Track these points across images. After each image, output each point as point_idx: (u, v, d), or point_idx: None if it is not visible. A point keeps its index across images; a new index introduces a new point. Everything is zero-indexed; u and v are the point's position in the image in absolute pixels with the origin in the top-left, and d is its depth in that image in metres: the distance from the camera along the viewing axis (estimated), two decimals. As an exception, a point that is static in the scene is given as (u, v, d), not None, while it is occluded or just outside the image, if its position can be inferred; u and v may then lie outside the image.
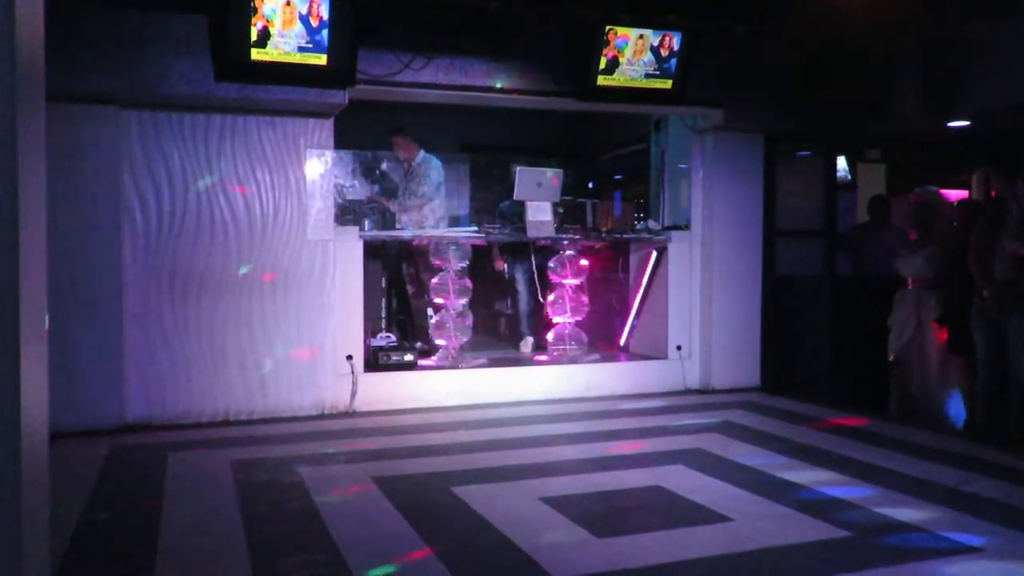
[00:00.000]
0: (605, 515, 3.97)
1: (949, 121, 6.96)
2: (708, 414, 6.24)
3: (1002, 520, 3.84)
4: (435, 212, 7.40)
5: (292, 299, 6.06)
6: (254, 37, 5.46)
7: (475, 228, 7.23)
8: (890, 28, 6.42)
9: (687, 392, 7.12)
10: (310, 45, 5.58)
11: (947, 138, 7.75)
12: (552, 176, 6.92)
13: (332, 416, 6.12)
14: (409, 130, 7.45)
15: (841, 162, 8.12)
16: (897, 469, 4.71)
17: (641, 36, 6.33)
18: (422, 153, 7.47)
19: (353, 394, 6.22)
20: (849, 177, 8.61)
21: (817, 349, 7.11)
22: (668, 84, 6.55)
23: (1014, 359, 5.21)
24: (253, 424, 5.85)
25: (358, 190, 8.55)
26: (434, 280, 6.93)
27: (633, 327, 7.67)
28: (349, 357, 6.20)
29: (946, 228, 6.17)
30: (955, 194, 8.11)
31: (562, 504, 4.06)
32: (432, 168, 7.43)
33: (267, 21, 5.46)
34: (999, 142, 7.27)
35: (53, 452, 2.79)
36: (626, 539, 3.64)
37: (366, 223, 7.00)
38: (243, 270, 5.95)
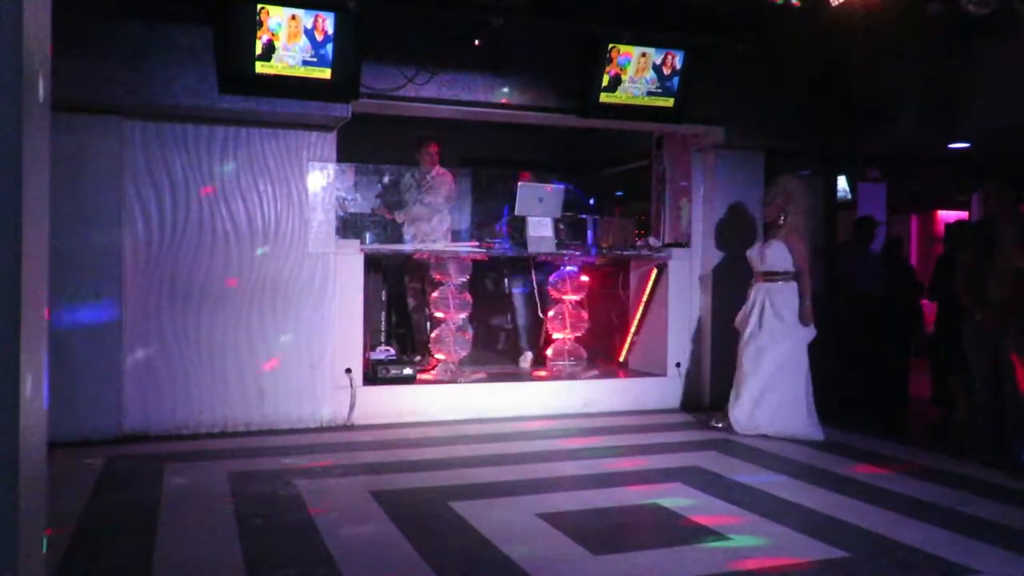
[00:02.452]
0: (602, 532, 3.95)
1: (950, 142, 6.99)
2: (706, 432, 6.23)
3: (1001, 542, 3.83)
4: (441, 225, 7.39)
5: (292, 311, 6.07)
6: (259, 50, 5.49)
7: (476, 243, 7.24)
8: (891, 48, 6.46)
9: (686, 409, 7.10)
10: (314, 59, 5.61)
11: (948, 159, 7.77)
12: (554, 192, 6.92)
13: (330, 429, 6.10)
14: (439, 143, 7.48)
15: (841, 181, 8.15)
16: (896, 489, 4.70)
17: (644, 54, 6.37)
18: (438, 167, 7.48)
19: (351, 407, 6.21)
20: (849, 196, 8.63)
21: (817, 366, 7.10)
22: (670, 102, 6.58)
23: (1006, 377, 5.20)
24: (251, 436, 5.83)
25: (360, 203, 8.55)
26: (434, 294, 6.94)
27: (632, 344, 7.66)
28: (348, 370, 6.19)
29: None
30: (955, 215, 8.15)
31: (559, 520, 4.04)
32: (445, 183, 7.43)
33: (272, 35, 5.50)
34: (1000, 163, 7.29)
35: (50, 461, 2.79)
36: (623, 556, 3.62)
37: (367, 236, 7.00)
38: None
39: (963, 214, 8.22)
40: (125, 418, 5.68)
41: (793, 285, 6.02)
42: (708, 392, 7.17)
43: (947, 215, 8.79)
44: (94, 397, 5.55)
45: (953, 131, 6.65)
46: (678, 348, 7.24)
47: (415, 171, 7.52)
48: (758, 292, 6.11)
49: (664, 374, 7.20)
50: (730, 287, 7.19)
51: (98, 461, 5.05)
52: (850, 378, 7.02)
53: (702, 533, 3.93)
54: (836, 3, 5.26)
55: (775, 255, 6.02)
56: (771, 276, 6.05)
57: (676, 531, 4.00)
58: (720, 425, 6.21)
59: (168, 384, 5.80)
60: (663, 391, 7.13)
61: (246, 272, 5.97)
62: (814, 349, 6.08)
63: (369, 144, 7.64)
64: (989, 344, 5.32)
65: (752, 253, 6.24)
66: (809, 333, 6.03)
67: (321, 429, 6.08)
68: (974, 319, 5.39)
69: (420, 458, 5.29)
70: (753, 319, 6.07)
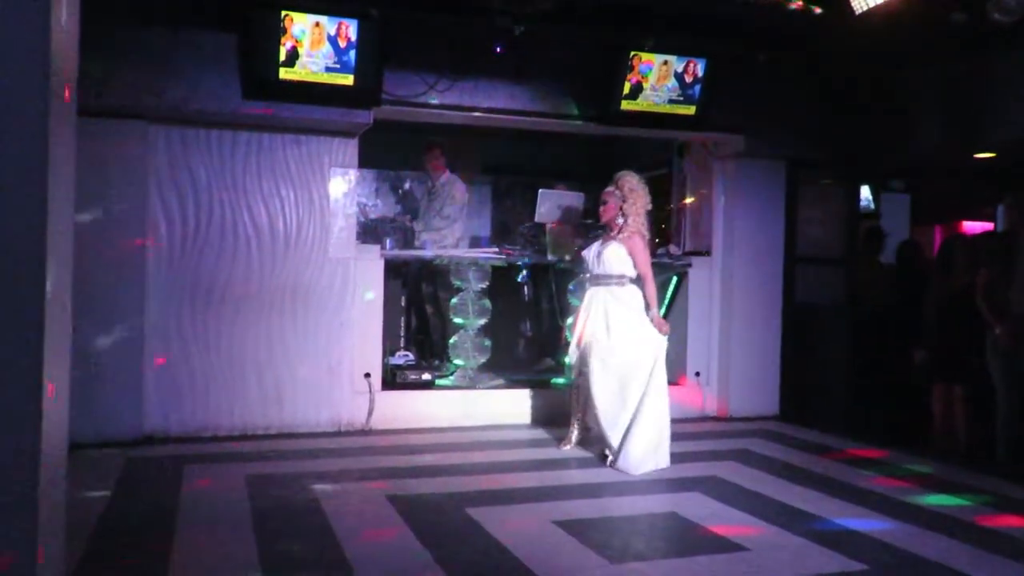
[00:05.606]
0: (619, 540, 3.94)
1: (974, 152, 6.92)
2: (725, 442, 6.19)
3: (1022, 556, 3.77)
4: (455, 232, 7.43)
5: (312, 315, 6.10)
6: (283, 57, 5.54)
7: (495, 249, 7.24)
8: (915, 58, 6.41)
9: (705, 419, 7.07)
10: (337, 65, 5.66)
11: (973, 169, 7.69)
12: (574, 198, 6.91)
13: (348, 433, 6.13)
14: (444, 147, 7.50)
15: (864, 191, 8.09)
16: (915, 502, 4.64)
17: (665, 62, 6.36)
18: (448, 173, 7.51)
19: (370, 412, 6.23)
20: (872, 207, 8.56)
21: (836, 378, 7.05)
22: (691, 110, 6.56)
23: None
24: (269, 439, 5.87)
25: (380, 209, 8.60)
26: (454, 300, 6.95)
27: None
28: (367, 375, 6.22)
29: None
30: (980, 226, 8.05)
31: (576, 528, 4.03)
32: (457, 189, 7.47)
33: (296, 41, 5.55)
34: (1025, 174, 7.22)
35: (71, 462, 2.83)
36: (640, 565, 3.61)
37: (387, 242, 7.04)
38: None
39: (989, 225, 8.12)
40: (146, 420, 5.73)
41: (632, 288, 5.44)
42: (729, 402, 7.13)
43: (972, 226, 8.69)
44: (116, 398, 5.60)
45: (977, 141, 6.58)
46: (698, 357, 7.21)
47: (429, 179, 7.57)
48: (594, 297, 5.47)
49: (684, 383, 7.17)
50: (751, 297, 7.17)
51: (119, 462, 5.10)
52: (867, 389, 6.95)
53: (720, 543, 3.90)
54: (859, 11, 5.23)
55: (612, 257, 5.40)
56: (606, 280, 5.44)
57: (693, 541, 3.97)
58: (566, 447, 5.68)
59: (188, 387, 5.85)
60: (683, 400, 7.09)
61: (267, 277, 6.02)
62: (835, 356, 6.01)
63: (391, 150, 7.68)
64: (1010, 358, 5.27)
65: (587, 254, 5.59)
66: (660, 344, 5.37)
67: (339, 433, 6.11)
68: (994, 333, 5.34)
69: (437, 464, 5.30)
70: (594, 325, 5.40)
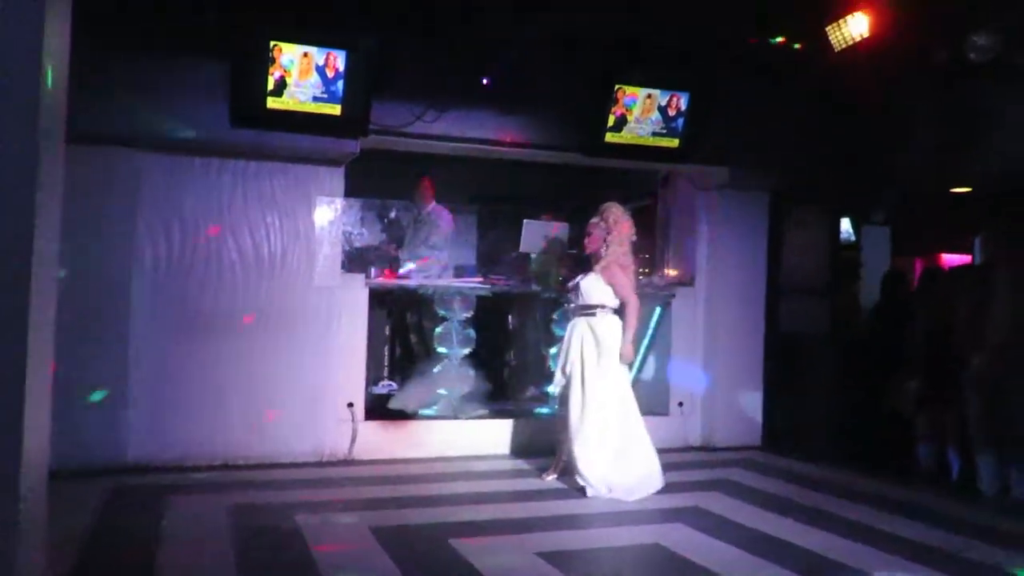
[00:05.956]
0: (602, 572, 3.92)
1: (953, 186, 7.03)
2: (709, 472, 6.19)
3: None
4: (440, 262, 7.45)
5: (296, 344, 6.08)
6: (271, 86, 5.58)
7: (480, 278, 7.27)
8: (896, 94, 6.53)
9: (688, 449, 7.07)
10: (325, 95, 5.70)
11: (952, 202, 7.81)
12: (557, 228, 6.96)
13: (331, 463, 6.08)
14: (433, 178, 7.55)
15: (845, 223, 8.19)
16: (898, 533, 4.65)
17: (649, 95, 6.45)
18: (434, 203, 7.55)
19: (353, 441, 6.19)
20: (853, 238, 8.66)
21: (820, 408, 7.08)
22: (675, 143, 6.65)
23: (1011, 426, 5.19)
24: (252, 469, 5.81)
25: (366, 237, 8.61)
26: (438, 329, 6.94)
27: (634, 382, 7.63)
28: (350, 404, 6.19)
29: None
30: (959, 259, 8.15)
31: (559, 560, 4.01)
32: (443, 219, 7.51)
33: (284, 71, 5.59)
34: (1003, 207, 7.32)
35: (52, 490, 2.80)
36: (623, 597, 3.59)
37: (372, 271, 7.04)
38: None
39: (967, 258, 8.22)
40: (129, 448, 5.67)
41: (611, 319, 5.51)
42: (712, 432, 7.14)
43: (951, 258, 8.80)
44: (98, 426, 5.54)
45: (956, 175, 6.69)
46: (681, 387, 7.23)
47: (416, 208, 7.61)
48: (575, 327, 5.58)
49: (667, 413, 7.17)
50: (734, 327, 7.21)
51: (100, 491, 5.04)
52: (851, 419, 6.98)
53: (702, 574, 3.88)
54: (838, 48, 5.34)
55: (591, 288, 5.50)
56: (588, 310, 5.53)
57: (677, 572, 3.96)
58: (550, 477, 5.70)
59: (171, 416, 5.79)
60: (666, 430, 7.07)
61: (251, 305, 6.00)
62: (818, 386, 6.04)
63: (378, 178, 7.71)
64: (988, 388, 5.33)
65: (570, 285, 5.73)
66: (623, 373, 5.53)
67: (322, 463, 6.06)
68: (972, 363, 5.42)
69: (421, 494, 5.27)
70: (574, 355, 5.50)
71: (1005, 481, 5.40)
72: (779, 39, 5.77)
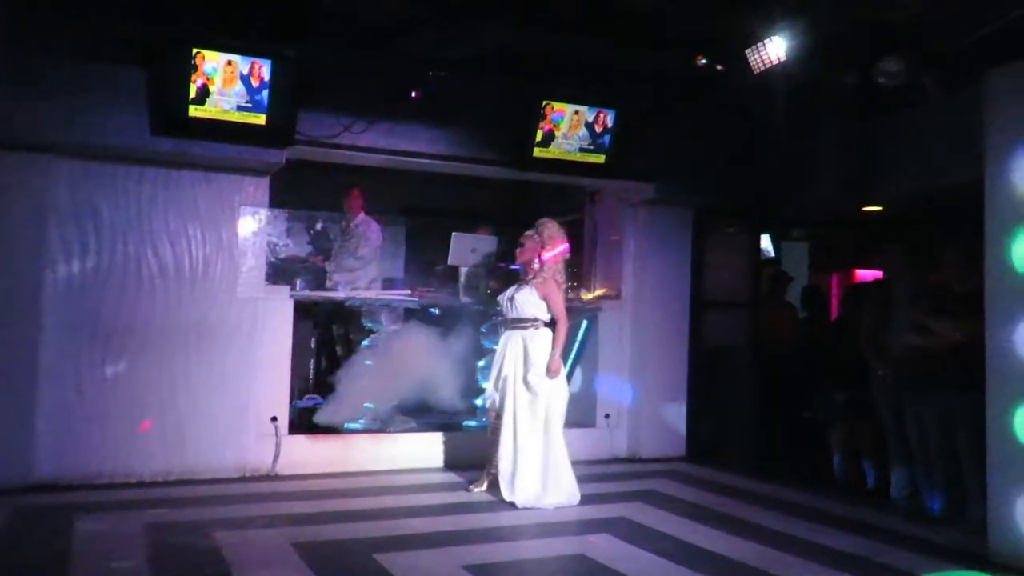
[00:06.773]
0: (528, 584, 3.93)
1: (864, 205, 7.31)
2: (635, 483, 6.27)
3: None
4: (368, 274, 7.39)
5: (217, 356, 5.94)
6: (193, 94, 5.47)
7: (408, 291, 7.22)
8: (812, 115, 6.77)
9: (615, 461, 7.14)
10: (249, 104, 5.62)
11: (863, 220, 8.12)
12: (487, 242, 6.98)
13: (254, 479, 5.95)
14: (363, 189, 7.49)
15: (765, 239, 8.43)
16: (816, 540, 4.79)
17: (576, 112, 6.55)
18: (363, 214, 7.49)
19: (276, 456, 6.07)
20: (772, 253, 8.93)
21: (742, 419, 7.26)
22: (601, 159, 6.75)
23: (916, 434, 5.41)
24: (170, 485, 5.64)
25: (292, 248, 8.48)
26: (365, 342, 6.87)
27: (563, 395, 7.68)
28: (274, 418, 6.06)
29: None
30: (872, 274, 8.47)
31: (486, 572, 4.02)
32: (371, 231, 7.45)
33: (207, 79, 5.49)
34: (906, 226, 7.65)
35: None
36: (548, 608, 3.61)
37: (298, 283, 6.94)
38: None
39: (879, 273, 8.56)
40: (36, 465, 5.44)
41: (545, 332, 5.57)
42: (638, 443, 7.24)
43: (864, 274, 9.15)
44: (2, 443, 5.30)
45: (866, 195, 6.96)
46: (608, 399, 7.31)
47: (344, 219, 7.54)
48: (508, 340, 5.60)
49: (594, 425, 7.25)
50: (660, 340, 7.34)
51: (2, 512, 4.82)
52: (776, 430, 7.17)
53: (627, 584, 3.93)
54: (757, 71, 5.52)
55: (526, 302, 5.54)
56: (522, 323, 5.56)
57: (602, 583, 4.00)
58: (478, 489, 5.70)
59: (84, 430, 5.58)
60: (593, 442, 7.16)
61: (172, 316, 5.84)
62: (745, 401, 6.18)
63: (306, 190, 7.61)
64: (894, 397, 5.55)
65: (502, 298, 5.73)
66: (561, 387, 5.61)
67: (244, 479, 5.92)
68: (877, 374, 5.65)
69: (346, 509, 5.19)
70: (508, 368, 5.53)
71: (916, 488, 5.61)
72: (703, 60, 5.93)
